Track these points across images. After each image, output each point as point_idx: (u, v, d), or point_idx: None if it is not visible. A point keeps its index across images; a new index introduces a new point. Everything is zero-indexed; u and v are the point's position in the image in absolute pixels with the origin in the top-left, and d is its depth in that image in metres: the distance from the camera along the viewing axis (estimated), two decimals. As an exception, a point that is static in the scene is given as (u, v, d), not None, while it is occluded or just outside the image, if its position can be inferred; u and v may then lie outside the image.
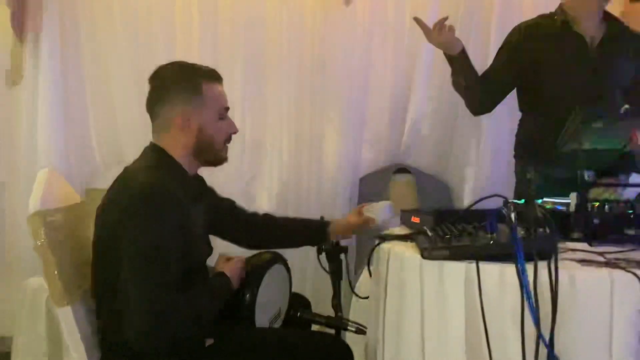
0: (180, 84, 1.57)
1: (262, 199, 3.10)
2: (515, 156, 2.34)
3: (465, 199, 3.08)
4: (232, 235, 1.90)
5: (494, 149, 3.01)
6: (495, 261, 1.21)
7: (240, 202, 1.97)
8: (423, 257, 1.28)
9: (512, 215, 1.20)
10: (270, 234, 1.93)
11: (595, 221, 1.41)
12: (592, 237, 1.40)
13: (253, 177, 3.12)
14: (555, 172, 1.78)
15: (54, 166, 2.76)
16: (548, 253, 1.15)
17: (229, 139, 1.65)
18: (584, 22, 2.08)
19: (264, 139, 3.11)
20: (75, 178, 2.97)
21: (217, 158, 1.65)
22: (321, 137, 3.12)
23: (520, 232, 1.21)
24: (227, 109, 1.64)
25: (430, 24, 2.09)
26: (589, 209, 1.42)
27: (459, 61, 2.12)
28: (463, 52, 2.11)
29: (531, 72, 2.13)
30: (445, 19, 2.04)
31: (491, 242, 1.24)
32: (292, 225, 2.00)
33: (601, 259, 1.26)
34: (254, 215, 1.96)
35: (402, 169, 3.16)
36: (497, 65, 2.21)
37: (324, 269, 1.95)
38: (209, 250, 1.75)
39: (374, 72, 3.12)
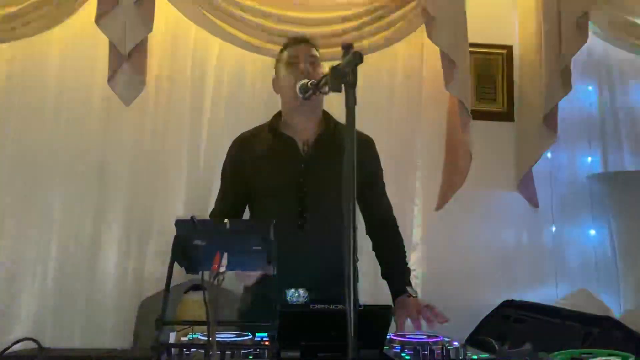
0: None
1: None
2: None
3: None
4: None
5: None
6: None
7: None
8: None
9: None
10: None
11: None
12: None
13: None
14: None
15: None
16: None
17: None
18: (296, 125, 1.96)
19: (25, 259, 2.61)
20: None
21: None
22: (97, 250, 2.67)
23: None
24: None
25: None
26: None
27: None
28: None
29: (251, 183, 1.96)
30: None
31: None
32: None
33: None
34: None
35: (197, 286, 2.69)
36: (224, 184, 2.03)
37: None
38: None
39: (164, 174, 2.78)
